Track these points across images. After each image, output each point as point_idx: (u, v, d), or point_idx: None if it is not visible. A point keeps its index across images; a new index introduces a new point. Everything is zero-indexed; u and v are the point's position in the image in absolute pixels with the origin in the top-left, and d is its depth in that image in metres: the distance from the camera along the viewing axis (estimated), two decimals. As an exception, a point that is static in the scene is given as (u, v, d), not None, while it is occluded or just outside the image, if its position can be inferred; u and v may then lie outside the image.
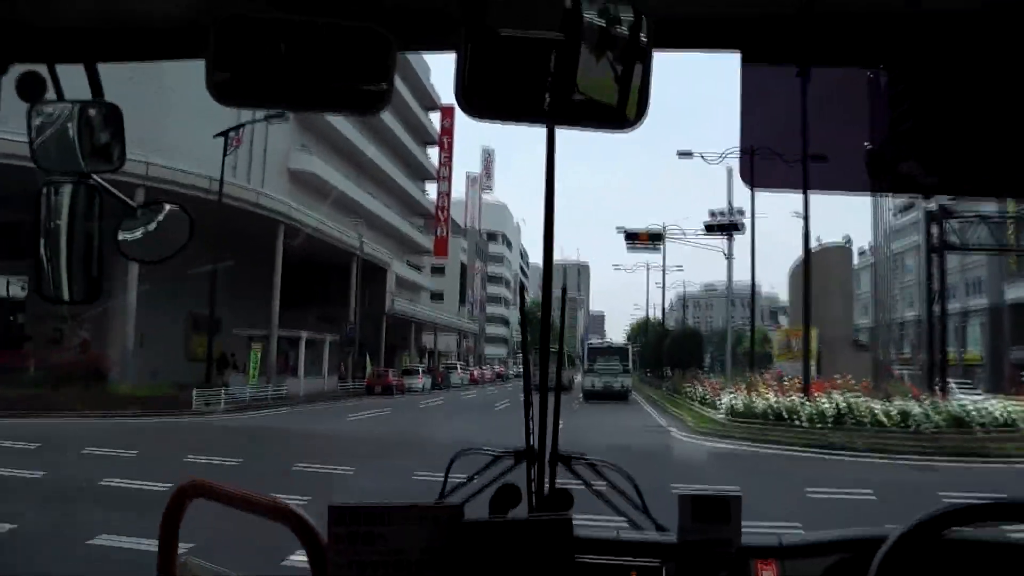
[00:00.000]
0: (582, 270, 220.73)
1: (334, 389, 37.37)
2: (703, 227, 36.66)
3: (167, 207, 1.65)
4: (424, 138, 66.22)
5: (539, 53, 1.21)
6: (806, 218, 23.94)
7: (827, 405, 19.04)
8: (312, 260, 39.53)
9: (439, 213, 70.51)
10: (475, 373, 60.86)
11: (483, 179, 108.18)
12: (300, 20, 1.27)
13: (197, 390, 24.83)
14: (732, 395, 22.81)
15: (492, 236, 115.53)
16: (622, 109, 1.24)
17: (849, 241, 43.41)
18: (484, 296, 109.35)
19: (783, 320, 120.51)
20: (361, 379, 40.22)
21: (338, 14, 1.27)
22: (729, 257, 31.56)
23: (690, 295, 77.98)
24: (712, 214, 36.07)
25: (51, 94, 1.53)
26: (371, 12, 1.28)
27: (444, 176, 70.05)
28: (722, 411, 22.34)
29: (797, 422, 19.21)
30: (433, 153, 71.32)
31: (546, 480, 1.77)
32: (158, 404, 23.21)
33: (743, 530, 1.70)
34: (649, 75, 1.22)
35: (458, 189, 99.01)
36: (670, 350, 48.53)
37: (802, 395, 20.37)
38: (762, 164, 1.43)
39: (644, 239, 25.48)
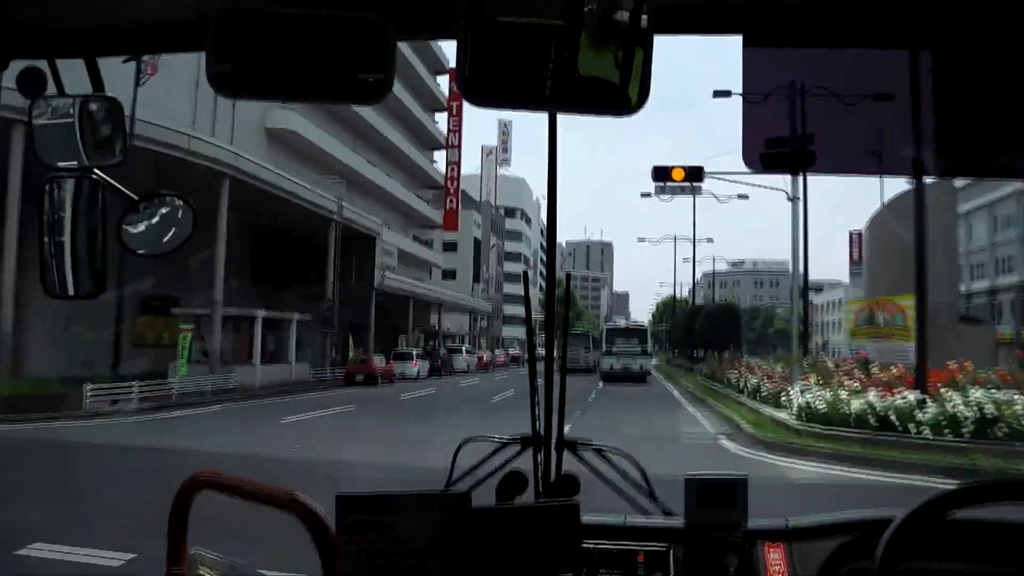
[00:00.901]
0: (605, 248, 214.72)
1: (305, 378, 31.36)
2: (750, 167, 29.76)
3: (169, 199, 1.65)
4: (432, 104, 61.29)
5: (540, 39, 1.21)
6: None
7: (962, 407, 12.56)
8: (292, 230, 33.72)
9: (448, 184, 64.41)
10: (485, 357, 54.74)
11: (500, 152, 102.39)
12: (299, 12, 1.27)
13: (92, 386, 18.97)
14: (804, 388, 16.34)
15: (510, 212, 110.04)
16: (624, 94, 1.24)
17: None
18: (501, 274, 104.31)
19: (822, 299, 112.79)
20: (343, 365, 34.23)
21: (337, 5, 1.28)
22: (794, 199, 23.99)
23: (716, 273, 71.56)
24: (769, 143, 29.42)
25: (52, 89, 1.55)
26: (370, 2, 1.31)
27: (453, 144, 63.84)
28: (791, 412, 15.91)
29: (916, 431, 12.77)
30: (442, 120, 65.18)
31: (553, 466, 1.78)
32: (37, 405, 17.40)
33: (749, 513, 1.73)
34: (650, 60, 1.22)
35: (473, 163, 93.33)
36: (703, 329, 42.38)
37: (917, 391, 13.86)
38: (764, 145, 1.45)
39: (679, 176, 20.62)
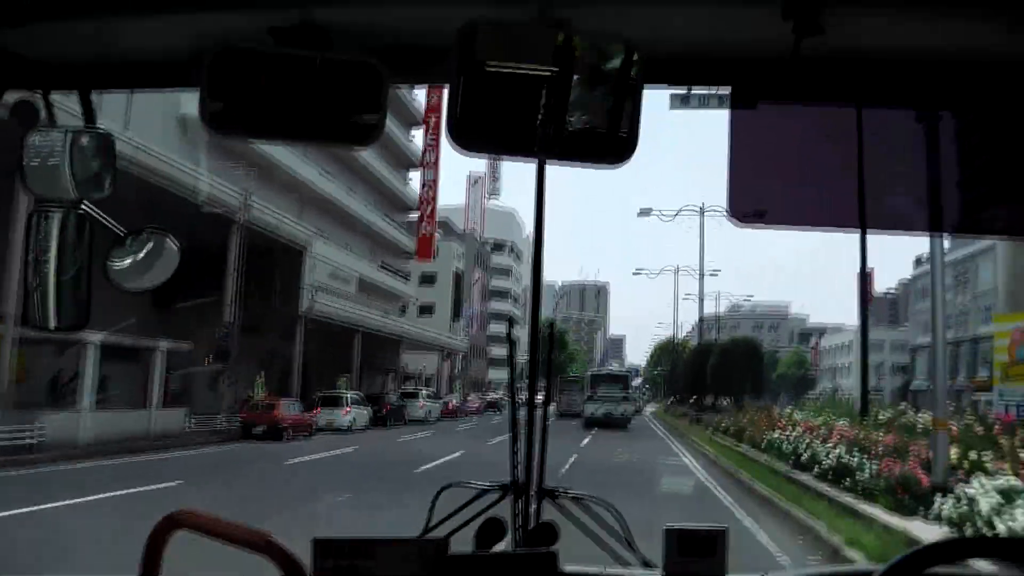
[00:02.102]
0: (600, 290, 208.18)
1: (176, 429, 22.74)
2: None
3: (155, 235, 1.62)
4: (407, 118, 54.67)
5: (530, 87, 1.23)
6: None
7: None
8: (189, 235, 25.00)
9: (423, 206, 56.35)
10: (452, 403, 46.12)
11: (488, 181, 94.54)
12: (294, 53, 1.28)
13: None
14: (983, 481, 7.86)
15: (498, 246, 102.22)
16: (612, 144, 1.25)
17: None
18: (485, 311, 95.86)
19: (827, 342, 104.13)
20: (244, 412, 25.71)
21: (332, 48, 1.30)
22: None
23: (713, 316, 64.46)
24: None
25: (44, 120, 1.54)
26: (365, 46, 1.32)
27: (430, 163, 56.01)
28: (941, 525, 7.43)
29: None
30: (419, 135, 57.61)
31: (532, 514, 1.77)
32: None
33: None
34: (639, 110, 1.24)
35: (459, 192, 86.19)
36: (716, 371, 34.03)
37: None
38: (751, 197, 1.43)
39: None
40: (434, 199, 56.19)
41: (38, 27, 1.40)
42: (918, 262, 75.23)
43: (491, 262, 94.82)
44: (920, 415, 15.44)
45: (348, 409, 29.82)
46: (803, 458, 14.67)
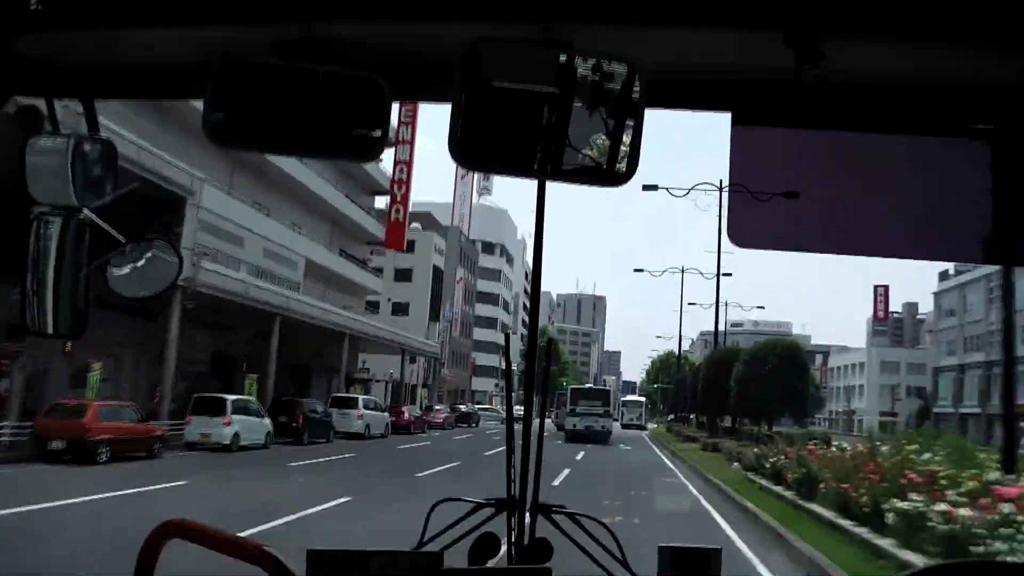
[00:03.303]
0: (598, 303, 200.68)
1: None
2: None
3: (158, 243, 1.63)
4: None
5: (533, 107, 1.23)
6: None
7: None
8: None
9: (394, 188, 48.24)
10: (407, 414, 37.46)
11: (480, 177, 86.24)
12: (298, 66, 1.29)
13: None
14: None
15: (488, 247, 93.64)
16: (613, 165, 1.25)
17: None
18: (471, 315, 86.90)
19: (834, 362, 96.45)
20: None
21: (336, 63, 1.30)
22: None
23: (709, 333, 59.18)
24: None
25: (48, 127, 1.53)
26: (368, 61, 1.32)
27: (405, 139, 47.90)
28: None
29: None
30: (393, 109, 49.17)
31: (526, 530, 1.77)
32: None
33: None
34: (640, 131, 1.25)
35: (447, 187, 79.80)
36: (743, 386, 25.24)
37: None
38: (748, 219, 1.43)
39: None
40: (408, 181, 48.40)
41: (45, 33, 1.39)
42: (944, 275, 68.11)
43: (479, 262, 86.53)
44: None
45: (229, 420, 21.13)
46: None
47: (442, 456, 22.83)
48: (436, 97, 1.49)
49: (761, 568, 9.17)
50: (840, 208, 1.42)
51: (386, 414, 34.55)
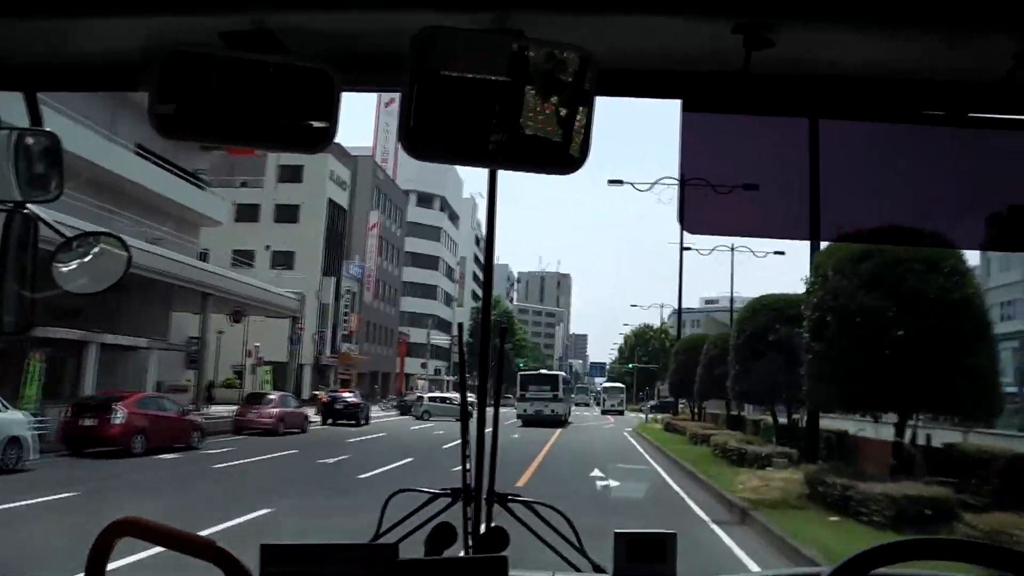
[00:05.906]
0: (562, 281, 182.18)
1: None
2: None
3: (105, 238, 1.62)
4: None
5: (484, 95, 1.23)
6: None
7: None
8: None
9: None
10: (190, 411, 19.84)
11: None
12: (246, 57, 1.27)
13: None
14: None
15: (427, 199, 75.21)
16: (565, 151, 1.26)
17: None
18: (397, 277, 68.14)
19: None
20: None
21: (285, 52, 1.30)
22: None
23: (685, 312, 51.34)
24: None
25: None
26: (318, 51, 1.32)
27: None
28: None
29: None
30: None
31: (482, 519, 1.79)
32: None
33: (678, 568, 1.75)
34: (591, 118, 1.26)
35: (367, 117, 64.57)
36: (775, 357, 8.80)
37: None
38: (702, 206, 1.46)
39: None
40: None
41: None
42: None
43: (409, 216, 69.15)
44: None
45: None
46: None
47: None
48: (386, 87, 1.49)
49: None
50: (791, 194, 1.44)
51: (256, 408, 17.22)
